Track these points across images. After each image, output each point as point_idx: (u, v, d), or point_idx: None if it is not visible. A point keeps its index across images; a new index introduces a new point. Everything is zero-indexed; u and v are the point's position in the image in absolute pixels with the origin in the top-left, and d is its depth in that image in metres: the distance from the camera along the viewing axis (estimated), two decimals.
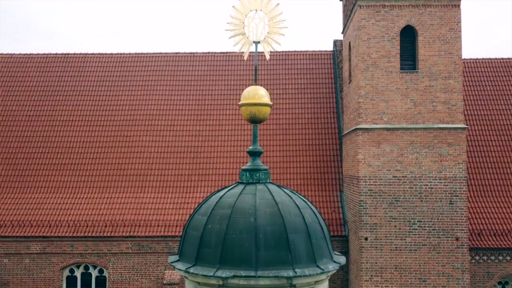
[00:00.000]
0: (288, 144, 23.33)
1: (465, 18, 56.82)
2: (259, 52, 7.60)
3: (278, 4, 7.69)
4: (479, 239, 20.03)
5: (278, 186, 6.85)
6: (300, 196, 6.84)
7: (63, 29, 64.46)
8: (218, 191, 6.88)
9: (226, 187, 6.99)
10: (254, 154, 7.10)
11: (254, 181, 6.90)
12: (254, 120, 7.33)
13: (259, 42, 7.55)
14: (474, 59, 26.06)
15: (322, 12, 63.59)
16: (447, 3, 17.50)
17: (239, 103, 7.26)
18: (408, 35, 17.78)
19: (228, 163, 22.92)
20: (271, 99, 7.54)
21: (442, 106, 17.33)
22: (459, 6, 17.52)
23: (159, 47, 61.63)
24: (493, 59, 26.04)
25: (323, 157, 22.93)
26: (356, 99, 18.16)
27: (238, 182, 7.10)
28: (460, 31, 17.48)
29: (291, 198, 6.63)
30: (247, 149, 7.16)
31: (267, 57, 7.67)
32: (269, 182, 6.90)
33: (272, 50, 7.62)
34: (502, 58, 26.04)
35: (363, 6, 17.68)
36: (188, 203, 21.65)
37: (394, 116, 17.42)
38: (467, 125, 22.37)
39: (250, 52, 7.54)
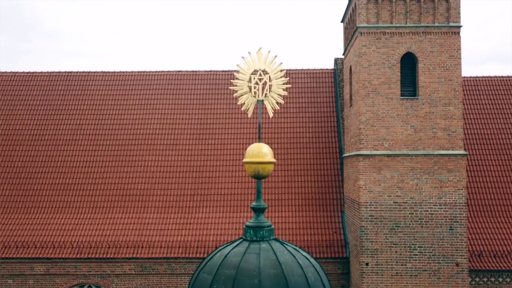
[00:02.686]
0: (289, 164, 23.52)
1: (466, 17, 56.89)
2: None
3: (281, 63, 7.91)
4: (479, 261, 20.20)
5: (282, 243, 7.03)
6: (303, 252, 7.04)
7: (69, 29, 64.73)
8: (223, 247, 7.07)
9: (230, 243, 7.16)
10: (258, 211, 7.29)
11: (258, 239, 7.06)
12: (258, 177, 7.50)
13: (263, 100, 7.76)
14: (474, 77, 26.25)
15: (323, 30, 63.97)
16: (447, 30, 17.70)
17: (243, 160, 7.45)
18: (409, 62, 17.98)
19: (231, 183, 23.10)
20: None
21: (442, 133, 17.52)
22: (459, 33, 17.71)
23: (160, 64, 62.01)
24: (493, 77, 26.23)
25: (324, 177, 23.12)
26: (357, 125, 18.35)
27: (242, 238, 7.27)
28: (460, 58, 17.68)
29: (294, 257, 6.81)
30: (251, 205, 7.35)
31: (271, 115, 7.91)
32: (273, 239, 7.09)
33: (276, 108, 7.83)
34: (502, 76, 26.22)
35: (364, 33, 17.88)
36: (190, 223, 21.84)
37: (395, 142, 17.61)
38: (466, 150, 22.61)
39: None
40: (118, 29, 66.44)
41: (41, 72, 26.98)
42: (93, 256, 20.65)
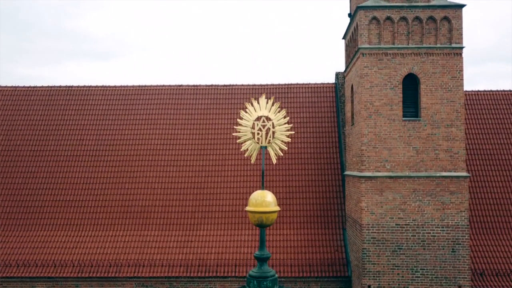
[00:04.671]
0: (291, 180, 23.45)
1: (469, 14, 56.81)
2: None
3: (284, 108, 7.90)
4: (481, 280, 20.13)
5: None
6: None
7: (70, 28, 64.69)
8: None
9: None
10: (262, 260, 7.23)
11: None
12: (261, 226, 7.46)
13: (266, 147, 7.73)
14: (476, 91, 26.19)
15: (324, 42, 64.01)
16: (449, 52, 17.64)
17: (246, 208, 7.40)
18: (411, 83, 17.92)
19: (232, 199, 23.05)
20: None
21: (445, 154, 17.47)
22: (461, 54, 17.66)
23: (162, 78, 62.03)
24: (495, 91, 26.16)
25: (325, 193, 23.05)
26: (359, 145, 18.29)
27: (244, 287, 7.22)
28: (462, 79, 17.63)
29: None
30: (254, 254, 7.29)
31: (274, 161, 7.89)
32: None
33: (280, 155, 7.81)
34: (504, 90, 26.16)
35: (366, 54, 17.83)
36: (191, 241, 21.79)
37: (397, 164, 17.56)
38: (467, 165, 22.54)
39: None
40: (118, 29, 66.46)
41: (42, 87, 26.94)
42: (94, 275, 20.59)
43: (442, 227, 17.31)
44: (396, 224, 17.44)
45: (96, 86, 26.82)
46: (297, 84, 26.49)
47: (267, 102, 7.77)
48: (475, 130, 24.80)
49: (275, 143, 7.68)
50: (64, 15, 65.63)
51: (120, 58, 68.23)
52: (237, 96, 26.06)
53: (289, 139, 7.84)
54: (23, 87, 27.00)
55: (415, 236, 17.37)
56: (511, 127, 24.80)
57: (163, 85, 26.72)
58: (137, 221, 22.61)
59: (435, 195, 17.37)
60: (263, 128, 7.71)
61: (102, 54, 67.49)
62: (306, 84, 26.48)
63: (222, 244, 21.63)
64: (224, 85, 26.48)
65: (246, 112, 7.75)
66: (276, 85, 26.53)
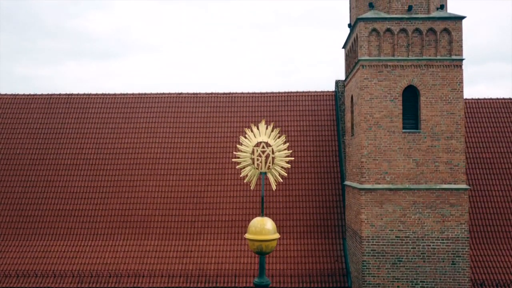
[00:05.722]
0: (290, 189, 23.44)
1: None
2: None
3: (284, 135, 7.90)
4: None
5: None
6: None
7: (71, 28, 64.74)
8: None
9: None
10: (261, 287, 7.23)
11: None
12: (261, 253, 7.46)
13: (265, 173, 7.73)
14: (475, 99, 26.19)
15: (324, 49, 64.06)
16: (449, 63, 17.63)
17: (246, 235, 7.38)
18: (411, 95, 17.90)
19: (232, 208, 23.03)
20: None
21: (445, 167, 17.45)
22: (461, 66, 17.64)
23: (162, 78, 62.08)
24: (494, 99, 26.15)
25: (325, 203, 23.03)
26: (359, 157, 18.28)
27: None
28: (462, 91, 17.62)
29: None
30: (254, 281, 7.29)
31: (274, 187, 7.91)
32: None
33: (280, 181, 7.80)
34: (504, 98, 26.14)
35: (365, 66, 17.81)
36: (191, 251, 21.77)
37: (397, 176, 17.54)
38: (467, 174, 22.53)
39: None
40: (119, 28, 66.48)
41: (41, 95, 26.93)
42: (94, 285, 20.56)
43: (442, 240, 17.30)
44: (396, 237, 17.43)
45: (96, 94, 26.81)
46: (297, 92, 26.48)
47: (266, 128, 7.76)
48: (475, 139, 24.78)
49: (275, 169, 7.68)
50: (64, 14, 65.70)
51: (121, 57, 68.28)
52: (237, 104, 26.04)
53: (289, 165, 7.84)
54: (23, 95, 26.99)
55: (415, 248, 17.35)
56: (511, 136, 24.78)
57: (163, 93, 26.71)
58: (137, 230, 22.60)
59: (435, 208, 17.36)
60: (263, 154, 7.70)
61: (103, 54, 67.52)
62: (306, 92, 26.47)
63: (222, 254, 21.62)
64: (224, 93, 26.47)
65: (245, 137, 7.74)
66: (276, 93, 26.53)
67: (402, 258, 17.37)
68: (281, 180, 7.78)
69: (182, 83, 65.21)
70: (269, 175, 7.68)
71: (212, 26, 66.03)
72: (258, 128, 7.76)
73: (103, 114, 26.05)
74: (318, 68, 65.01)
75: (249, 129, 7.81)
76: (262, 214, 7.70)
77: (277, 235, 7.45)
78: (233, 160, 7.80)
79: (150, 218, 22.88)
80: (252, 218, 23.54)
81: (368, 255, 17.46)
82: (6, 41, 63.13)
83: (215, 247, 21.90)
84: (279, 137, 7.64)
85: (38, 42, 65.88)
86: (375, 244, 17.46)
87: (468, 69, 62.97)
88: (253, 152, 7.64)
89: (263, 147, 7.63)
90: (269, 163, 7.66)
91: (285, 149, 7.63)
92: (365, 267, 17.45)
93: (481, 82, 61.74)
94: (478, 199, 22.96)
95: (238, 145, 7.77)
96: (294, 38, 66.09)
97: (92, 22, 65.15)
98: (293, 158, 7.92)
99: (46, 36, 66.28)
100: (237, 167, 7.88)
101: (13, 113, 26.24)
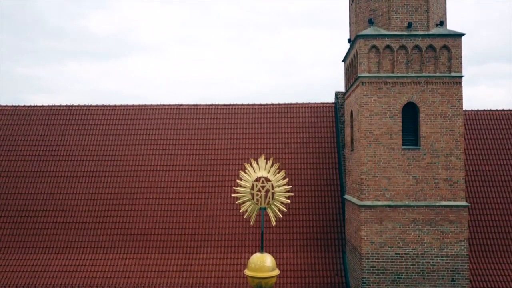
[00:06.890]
0: (290, 202, 23.40)
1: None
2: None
3: (283, 170, 7.93)
4: None
5: None
6: None
7: (72, 28, 64.82)
8: None
9: None
10: None
11: None
12: None
13: (265, 208, 7.76)
14: (475, 110, 26.21)
15: (325, 49, 64.10)
16: (449, 80, 17.67)
17: (245, 271, 7.40)
18: (410, 112, 17.94)
19: (232, 221, 23.04)
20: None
21: (444, 183, 17.48)
22: (460, 83, 17.68)
23: (162, 78, 62.16)
24: (494, 110, 26.18)
25: (325, 216, 23.04)
26: (358, 173, 18.31)
27: None
28: (461, 108, 17.65)
29: None
30: None
31: (273, 223, 7.94)
32: None
33: (279, 217, 7.83)
34: (503, 110, 26.16)
35: (365, 82, 17.85)
36: (191, 265, 21.79)
37: (396, 193, 17.57)
38: (466, 186, 22.54)
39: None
40: (120, 29, 66.56)
41: (42, 106, 26.97)
42: None
43: (442, 257, 17.32)
44: (395, 253, 17.45)
45: (96, 106, 26.85)
46: (297, 103, 26.51)
47: (266, 163, 7.79)
48: (475, 151, 24.80)
49: (275, 205, 7.71)
50: (65, 14, 65.77)
51: (122, 58, 68.31)
52: (237, 116, 26.07)
53: (289, 201, 7.88)
54: (23, 106, 27.04)
55: (414, 265, 17.38)
56: (511, 148, 24.80)
57: (163, 105, 26.76)
58: (137, 243, 22.62)
59: (435, 224, 17.39)
60: (263, 189, 7.72)
61: (103, 54, 67.56)
62: (305, 103, 26.50)
63: (222, 267, 21.63)
64: (224, 105, 26.50)
65: (245, 172, 7.77)
66: (275, 104, 26.56)
67: (402, 275, 17.39)
68: (281, 216, 7.81)
69: (182, 83, 65.26)
70: (268, 211, 7.71)
71: (212, 26, 66.09)
72: (257, 163, 7.81)
73: (103, 126, 26.08)
74: (318, 68, 65.01)
75: (248, 164, 7.85)
76: (261, 250, 7.72)
77: (276, 272, 7.48)
78: (232, 195, 7.82)
79: (150, 231, 22.90)
80: (253, 232, 23.45)
81: (368, 272, 17.48)
82: (6, 41, 63.19)
83: (215, 260, 21.92)
84: (278, 172, 7.68)
85: (39, 42, 65.98)
86: (374, 261, 17.48)
87: (468, 69, 63.00)
88: (252, 187, 7.68)
89: (262, 182, 7.66)
90: (269, 198, 7.69)
91: (284, 184, 7.66)
92: (365, 284, 17.47)
93: (481, 82, 61.75)
94: (478, 211, 22.96)
95: (238, 180, 7.80)
96: (294, 38, 66.17)
97: (93, 22, 65.29)
98: (292, 194, 7.93)
99: (47, 36, 66.37)
100: (236, 202, 7.91)
101: (14, 125, 26.26)
